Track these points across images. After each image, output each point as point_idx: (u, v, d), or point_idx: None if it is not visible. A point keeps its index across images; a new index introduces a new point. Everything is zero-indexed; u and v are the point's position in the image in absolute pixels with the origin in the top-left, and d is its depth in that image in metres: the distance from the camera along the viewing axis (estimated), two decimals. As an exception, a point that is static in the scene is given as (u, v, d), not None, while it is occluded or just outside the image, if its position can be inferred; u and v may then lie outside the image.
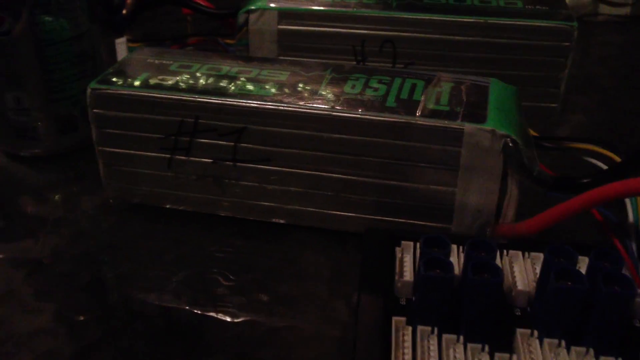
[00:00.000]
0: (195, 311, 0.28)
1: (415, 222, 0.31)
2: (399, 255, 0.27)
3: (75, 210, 0.34)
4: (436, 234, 0.25)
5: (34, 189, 0.36)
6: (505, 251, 0.27)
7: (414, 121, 0.28)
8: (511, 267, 0.27)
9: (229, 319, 0.28)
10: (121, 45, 0.45)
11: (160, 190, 0.32)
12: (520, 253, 0.27)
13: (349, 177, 0.30)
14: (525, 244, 0.27)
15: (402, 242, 0.28)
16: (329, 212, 0.31)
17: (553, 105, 0.40)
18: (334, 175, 0.30)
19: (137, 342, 0.27)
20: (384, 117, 0.29)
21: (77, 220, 0.33)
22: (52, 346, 0.26)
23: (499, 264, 0.26)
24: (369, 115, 0.29)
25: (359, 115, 0.29)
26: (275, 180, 0.31)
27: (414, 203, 0.30)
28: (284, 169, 0.30)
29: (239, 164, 0.31)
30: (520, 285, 0.26)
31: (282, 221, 0.32)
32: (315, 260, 0.31)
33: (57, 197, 0.35)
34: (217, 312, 0.28)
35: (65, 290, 0.29)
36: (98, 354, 0.26)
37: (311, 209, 0.31)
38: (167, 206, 0.33)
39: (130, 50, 0.45)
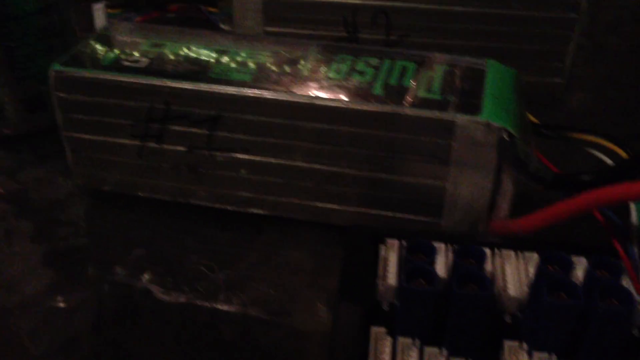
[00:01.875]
0: (170, 303, 0.27)
1: (404, 216, 0.29)
2: (382, 254, 0.25)
3: (46, 195, 0.32)
4: (422, 238, 0.23)
5: (4, 170, 0.34)
6: (496, 250, 0.25)
7: (402, 111, 0.26)
8: (502, 269, 0.25)
9: (206, 314, 0.26)
10: (99, 12, 0.42)
11: (131, 179, 0.30)
12: (512, 253, 0.25)
13: (332, 168, 0.28)
14: (519, 243, 0.26)
15: (387, 240, 0.26)
16: (311, 204, 0.29)
17: (558, 80, 0.38)
18: (315, 166, 0.28)
19: (120, 334, 0.26)
20: (370, 106, 0.26)
21: (47, 206, 0.31)
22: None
23: (490, 269, 0.24)
24: (354, 105, 0.26)
25: (342, 105, 0.27)
26: (253, 171, 0.29)
27: (401, 196, 0.28)
28: (262, 159, 0.28)
29: (214, 153, 0.29)
30: (511, 290, 0.24)
31: (261, 212, 0.30)
32: (296, 254, 0.29)
33: (27, 179, 0.33)
34: (194, 306, 0.27)
35: (37, 279, 0.28)
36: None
37: (292, 201, 0.29)
38: (140, 194, 0.31)
39: (109, 16, 0.42)
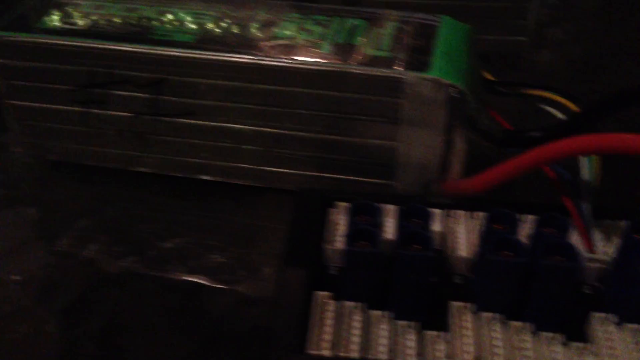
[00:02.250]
0: (118, 273, 0.26)
1: (357, 178, 0.28)
2: (331, 218, 0.25)
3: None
4: (369, 200, 0.23)
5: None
6: (448, 211, 0.25)
7: (348, 70, 0.25)
8: (453, 230, 0.24)
9: (155, 283, 0.26)
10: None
11: (77, 147, 0.29)
12: (464, 213, 0.25)
13: (282, 131, 0.27)
14: (470, 203, 0.25)
15: (337, 203, 0.25)
16: (262, 168, 0.28)
17: (522, 39, 0.37)
18: (264, 129, 0.27)
19: (66, 305, 0.25)
20: (316, 65, 0.25)
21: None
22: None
23: (441, 229, 0.24)
24: (300, 64, 0.26)
25: (288, 64, 0.26)
26: (201, 135, 0.28)
27: (353, 159, 0.27)
28: (210, 123, 0.28)
29: (161, 118, 0.28)
30: (461, 250, 0.23)
31: (211, 178, 0.29)
32: (247, 220, 0.28)
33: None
34: (142, 275, 0.26)
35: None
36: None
37: (242, 165, 0.29)
38: (87, 163, 0.30)
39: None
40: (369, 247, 0.21)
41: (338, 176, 0.28)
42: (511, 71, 0.37)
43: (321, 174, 0.28)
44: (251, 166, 0.28)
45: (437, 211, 0.24)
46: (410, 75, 0.25)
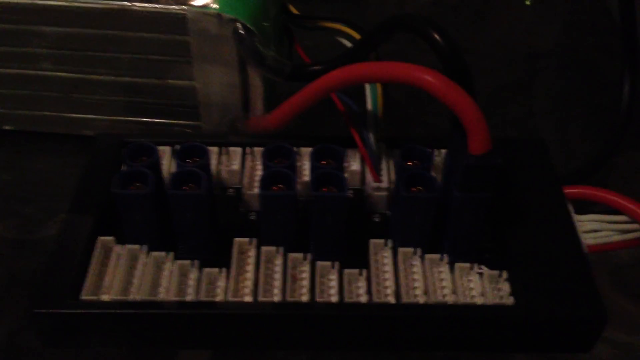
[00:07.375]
0: None
1: (163, 121, 0.27)
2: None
3: None
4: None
5: None
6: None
7: (129, 7, 0.24)
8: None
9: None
10: None
11: None
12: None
13: (76, 75, 0.26)
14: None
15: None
16: (63, 115, 0.28)
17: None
18: (59, 74, 0.26)
19: None
20: (94, 3, 0.24)
21: None
22: None
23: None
24: (77, 2, 0.24)
25: (64, 3, 0.24)
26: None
27: (156, 101, 0.27)
28: (4, 70, 0.26)
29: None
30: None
31: (10, 127, 0.28)
32: (52, 168, 0.28)
33: None
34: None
35: None
36: None
37: (43, 113, 0.28)
38: None
39: None
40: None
41: (144, 119, 0.27)
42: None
43: (127, 119, 0.27)
44: (52, 113, 0.28)
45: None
46: (192, 11, 0.24)
